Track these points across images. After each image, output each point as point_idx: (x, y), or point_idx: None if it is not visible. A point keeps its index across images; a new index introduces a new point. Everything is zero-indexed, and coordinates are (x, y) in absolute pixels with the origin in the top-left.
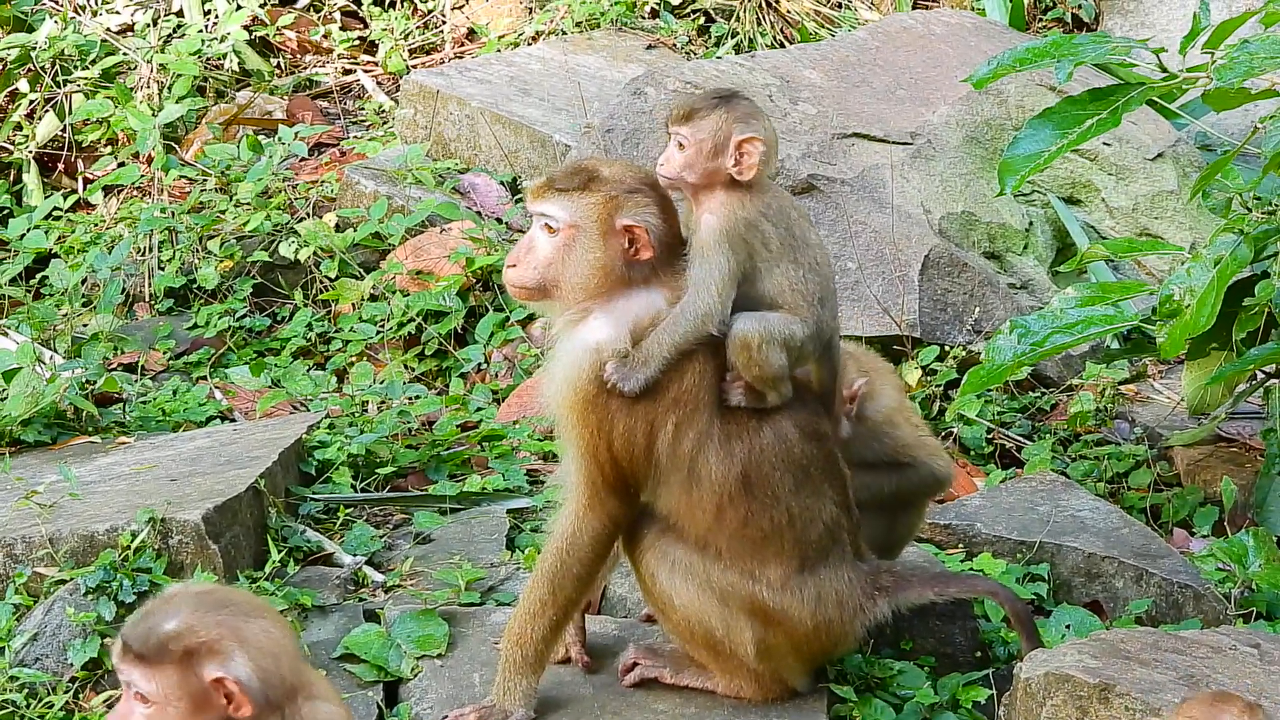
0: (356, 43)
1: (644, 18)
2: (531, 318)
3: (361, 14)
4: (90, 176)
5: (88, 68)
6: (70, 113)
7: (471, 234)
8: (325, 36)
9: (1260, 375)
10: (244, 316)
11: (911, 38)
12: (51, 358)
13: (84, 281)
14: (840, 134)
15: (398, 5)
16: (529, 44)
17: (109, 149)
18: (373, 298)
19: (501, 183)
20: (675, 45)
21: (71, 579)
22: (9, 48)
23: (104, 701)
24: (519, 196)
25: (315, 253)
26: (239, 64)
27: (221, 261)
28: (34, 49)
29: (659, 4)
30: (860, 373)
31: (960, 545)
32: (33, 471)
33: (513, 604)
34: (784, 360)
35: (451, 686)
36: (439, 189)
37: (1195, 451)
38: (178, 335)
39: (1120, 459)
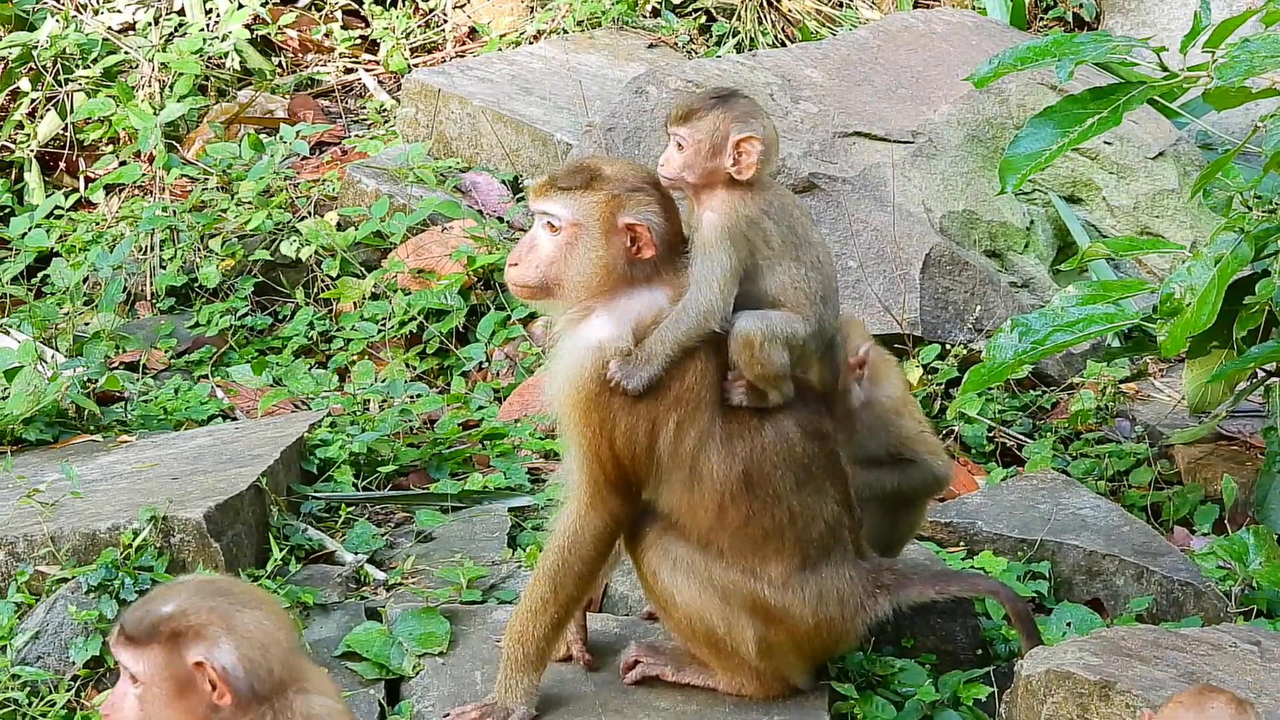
0: (358, 41)
1: (645, 16)
2: (533, 316)
3: (363, 13)
4: (92, 175)
5: (89, 66)
6: (72, 111)
7: (473, 232)
8: (327, 35)
9: (1261, 373)
10: (245, 315)
11: (913, 36)
12: (53, 356)
13: (85, 280)
14: (841, 133)
15: (399, 4)
16: (530, 43)
17: (110, 148)
18: (374, 296)
19: (503, 181)
20: (676, 44)
21: (73, 577)
22: (10, 46)
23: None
24: (520, 195)
25: (317, 251)
26: (240, 63)
27: (223, 260)
28: (35, 48)
29: (660, 3)
30: (864, 338)
31: (961, 543)
32: (34, 470)
33: (514, 602)
34: (786, 358)
35: (453, 684)
36: (440, 188)
37: (1196, 449)
38: (179, 334)
39: (1121, 457)
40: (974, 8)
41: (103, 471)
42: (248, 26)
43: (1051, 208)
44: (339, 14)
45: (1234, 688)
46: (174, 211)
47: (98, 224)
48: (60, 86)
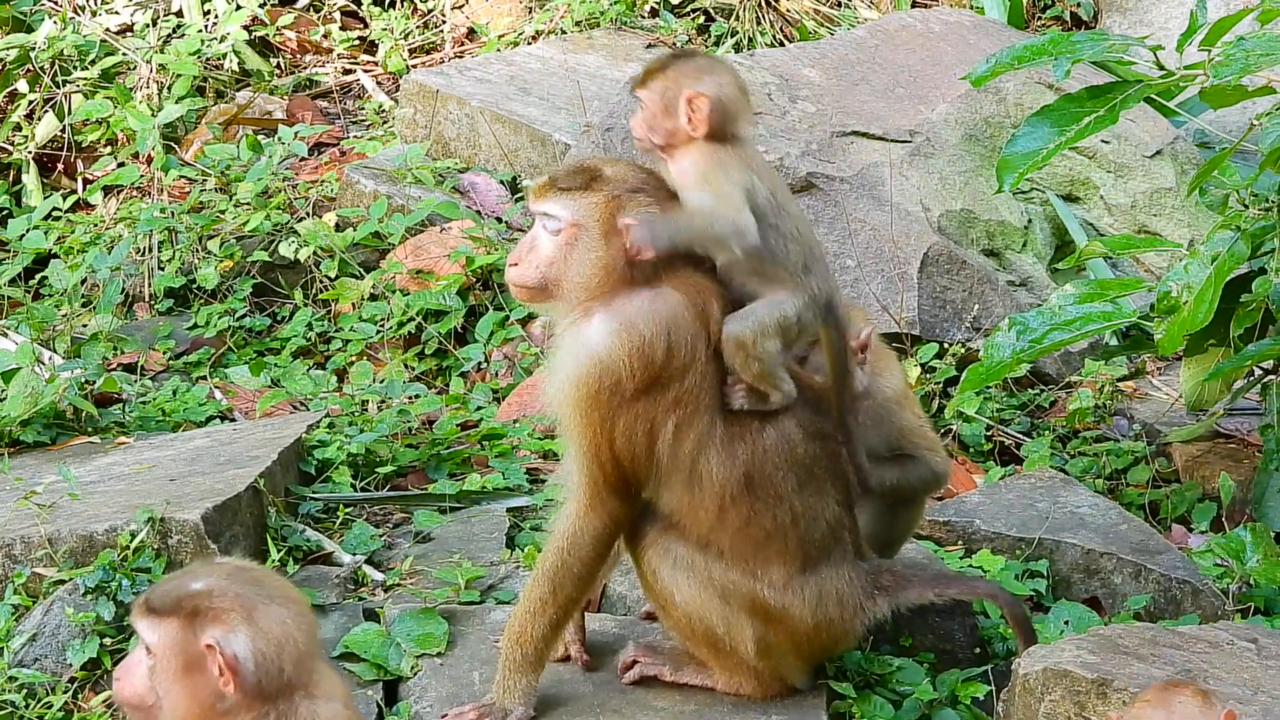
0: (356, 42)
1: (644, 17)
2: (531, 316)
3: (361, 14)
4: (90, 177)
5: (87, 68)
6: (70, 113)
7: (471, 233)
8: (325, 36)
9: (1258, 371)
10: (244, 316)
11: (910, 36)
12: (51, 358)
13: (83, 282)
14: (839, 132)
15: (397, 5)
16: (529, 43)
17: (108, 149)
18: (373, 297)
19: (501, 182)
20: (675, 44)
21: (70, 579)
22: (8, 48)
23: (103, 701)
24: (519, 195)
25: (315, 252)
26: (239, 64)
27: (221, 261)
28: (33, 49)
29: (659, 3)
30: (865, 321)
31: (959, 542)
32: (32, 472)
33: (512, 602)
34: (779, 348)
35: (451, 685)
36: (439, 188)
37: (1193, 448)
38: (177, 335)
39: (1119, 455)
40: (972, 7)
41: (100, 473)
42: (246, 28)
43: (1049, 206)
44: (337, 15)
45: (1231, 686)
46: (172, 213)
47: (96, 225)
48: (58, 88)
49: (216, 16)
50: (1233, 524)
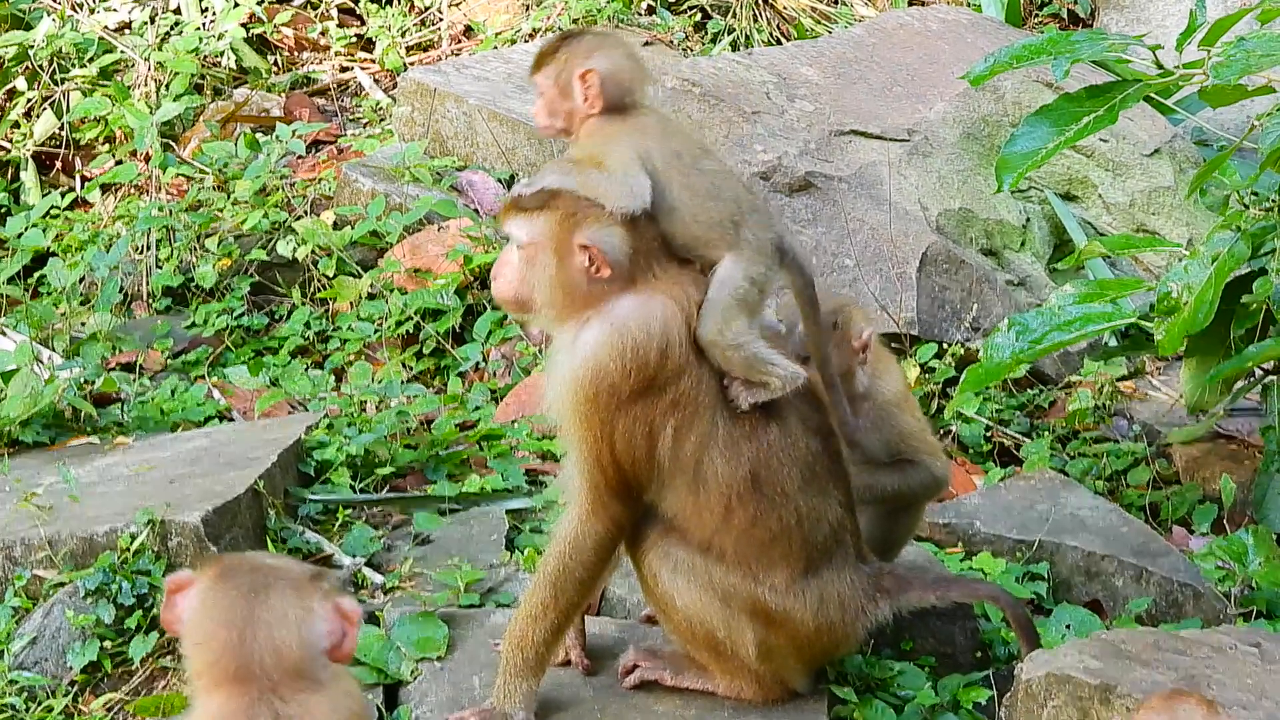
0: (354, 40)
1: (640, 14)
2: None
3: (358, 11)
4: (88, 174)
5: (85, 66)
6: (68, 111)
7: (469, 232)
8: (322, 34)
9: (1258, 372)
10: (242, 315)
11: (908, 34)
12: (50, 357)
13: (82, 280)
14: (837, 131)
15: (395, 2)
16: (526, 41)
17: (106, 147)
18: (370, 296)
19: (499, 180)
20: (672, 42)
21: (70, 581)
22: (7, 46)
23: (103, 705)
24: None
25: (313, 251)
26: (236, 61)
27: (219, 260)
28: (32, 47)
29: (655, 0)
30: (866, 322)
31: (959, 544)
32: (31, 472)
33: (512, 606)
34: (749, 322)
35: (451, 689)
36: (437, 186)
37: (1194, 449)
38: (176, 334)
39: (1119, 456)
40: (969, 5)
41: (100, 474)
42: (243, 25)
43: (1048, 205)
44: (334, 12)
45: (1234, 691)
46: (170, 211)
47: (94, 223)
48: (56, 86)
49: (214, 14)
50: (1234, 526)
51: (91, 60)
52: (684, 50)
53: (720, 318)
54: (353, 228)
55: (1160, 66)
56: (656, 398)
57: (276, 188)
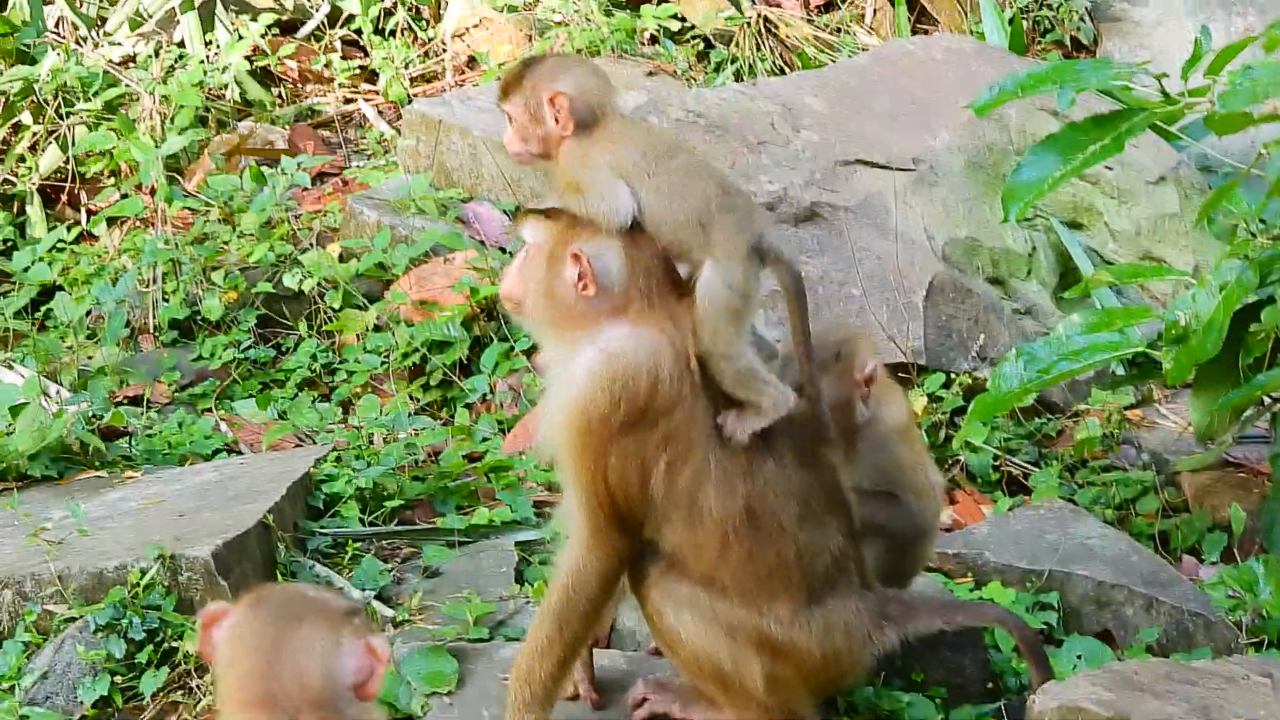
0: (357, 72)
1: (643, 44)
2: (536, 347)
3: (362, 43)
4: (93, 208)
5: (90, 100)
6: (73, 145)
7: (475, 263)
8: (326, 66)
9: (1267, 400)
10: (248, 348)
11: (912, 63)
12: (57, 391)
13: (88, 314)
14: (842, 160)
15: (398, 34)
16: None
17: (112, 181)
18: (377, 328)
19: (505, 211)
20: (675, 72)
21: (81, 617)
22: (12, 80)
23: None
24: None
25: (319, 283)
26: (241, 94)
27: (225, 293)
28: (36, 81)
29: (658, 31)
30: (872, 354)
31: (969, 574)
32: (40, 507)
33: (521, 639)
34: (738, 330)
35: None
36: (442, 218)
37: (1203, 477)
38: (182, 367)
39: (1128, 485)
40: (972, 33)
41: (109, 508)
42: (247, 58)
43: (1053, 233)
44: (338, 44)
45: None
46: (176, 244)
47: (100, 257)
48: (61, 120)
49: (218, 47)
50: (1244, 554)
51: (96, 94)
52: (687, 80)
53: (708, 328)
54: (359, 260)
55: (1165, 94)
56: (648, 432)
57: (282, 220)
